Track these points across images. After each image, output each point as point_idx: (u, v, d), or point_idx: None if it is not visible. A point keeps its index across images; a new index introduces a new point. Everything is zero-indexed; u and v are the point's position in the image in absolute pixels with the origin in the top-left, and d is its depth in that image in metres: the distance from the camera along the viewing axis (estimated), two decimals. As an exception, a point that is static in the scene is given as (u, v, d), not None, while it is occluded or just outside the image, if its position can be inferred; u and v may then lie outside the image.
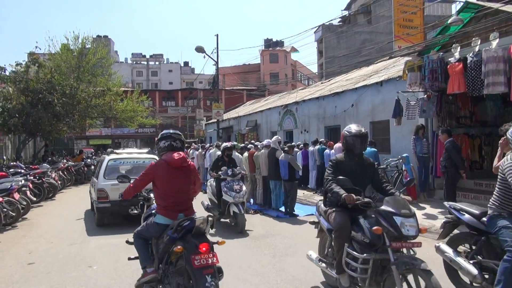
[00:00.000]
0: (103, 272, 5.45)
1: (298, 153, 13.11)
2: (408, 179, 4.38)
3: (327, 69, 33.15)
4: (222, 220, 8.58)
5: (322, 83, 22.40)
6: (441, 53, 9.09)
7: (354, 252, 3.80)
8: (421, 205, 9.16)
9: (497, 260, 3.75)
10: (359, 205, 3.85)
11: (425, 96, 9.73)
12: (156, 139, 4.56)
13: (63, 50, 21.64)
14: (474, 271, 3.79)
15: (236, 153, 11.06)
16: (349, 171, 4.11)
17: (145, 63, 73.61)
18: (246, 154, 11.48)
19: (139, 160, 9.35)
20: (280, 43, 49.71)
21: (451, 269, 4.26)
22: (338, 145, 11.66)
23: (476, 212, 4.18)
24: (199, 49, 21.56)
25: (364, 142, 4.23)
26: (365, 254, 3.70)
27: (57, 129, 21.16)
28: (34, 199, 11.09)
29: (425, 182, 9.82)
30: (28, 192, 10.22)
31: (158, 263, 3.98)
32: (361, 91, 13.56)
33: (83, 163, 19.91)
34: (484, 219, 4.02)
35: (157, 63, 73.73)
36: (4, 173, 11.01)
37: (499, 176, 3.89)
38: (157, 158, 4.65)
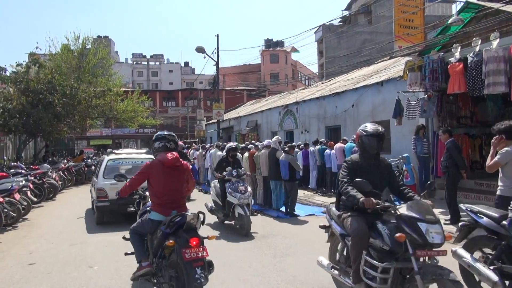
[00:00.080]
0: (103, 273, 5.45)
1: (298, 153, 13.11)
2: (429, 182, 4.13)
3: (327, 69, 33.14)
4: (226, 222, 8.44)
5: (322, 83, 22.40)
6: (442, 53, 9.09)
7: (374, 261, 3.52)
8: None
9: None
10: (379, 210, 3.63)
11: (426, 96, 9.73)
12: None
13: (64, 51, 21.67)
14: (495, 277, 3.55)
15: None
16: (366, 173, 3.85)
17: (146, 63, 73.64)
18: (246, 154, 11.48)
19: (137, 160, 9.54)
20: (280, 43, 49.69)
21: (468, 275, 4.05)
22: (339, 145, 11.69)
23: (496, 215, 3.97)
24: (200, 49, 21.58)
25: (381, 141, 3.97)
26: (385, 263, 3.43)
27: (58, 129, 21.17)
28: (35, 199, 11.08)
29: (426, 182, 9.80)
30: (28, 193, 10.23)
31: (153, 257, 4.18)
32: (361, 91, 13.56)
33: (84, 163, 19.91)
34: (505, 222, 3.81)
35: (157, 63, 73.77)
36: (4, 174, 11.00)
37: None
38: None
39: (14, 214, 8.84)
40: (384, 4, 28.90)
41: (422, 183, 9.74)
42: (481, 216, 4.07)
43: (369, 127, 3.99)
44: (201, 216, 4.06)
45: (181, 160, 4.32)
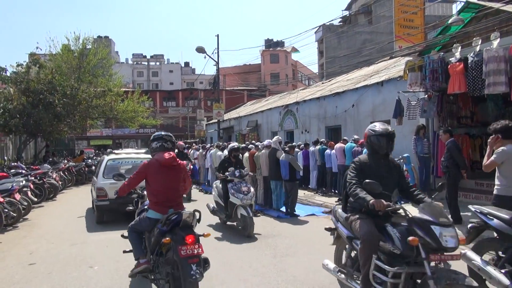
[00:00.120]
0: (104, 273, 5.45)
1: (298, 153, 13.11)
2: (440, 184, 4.01)
3: (327, 69, 33.16)
4: (228, 223, 8.37)
5: (322, 83, 22.40)
6: (442, 53, 9.08)
7: (385, 265, 3.39)
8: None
9: None
10: (390, 212, 3.53)
11: (426, 96, 9.72)
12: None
13: (64, 51, 21.67)
14: (506, 281, 3.46)
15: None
16: (375, 174, 3.72)
17: (146, 63, 73.66)
18: (246, 154, 11.48)
19: (137, 160, 9.63)
20: (280, 43, 49.70)
21: (478, 278, 3.92)
22: (339, 145, 11.68)
23: (507, 217, 3.87)
24: (200, 50, 21.59)
25: (391, 141, 3.87)
26: (396, 267, 3.30)
27: (58, 129, 21.19)
28: (35, 199, 11.09)
29: (426, 182, 9.81)
30: (29, 193, 10.23)
31: (150, 254, 4.31)
32: (361, 91, 13.56)
33: (84, 163, 19.92)
34: None
35: (157, 63, 73.79)
36: (5, 174, 11.01)
37: None
38: None
39: (15, 214, 8.85)
40: (384, 4, 28.91)
41: (423, 183, 9.74)
42: (491, 217, 3.98)
43: (378, 126, 3.91)
44: (197, 214, 4.15)
45: (178, 159, 4.41)
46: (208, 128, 32.74)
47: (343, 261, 4.27)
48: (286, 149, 9.70)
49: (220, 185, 8.38)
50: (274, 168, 9.73)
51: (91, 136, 40.16)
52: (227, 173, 8.11)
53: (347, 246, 4.15)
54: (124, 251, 4.77)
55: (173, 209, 4.18)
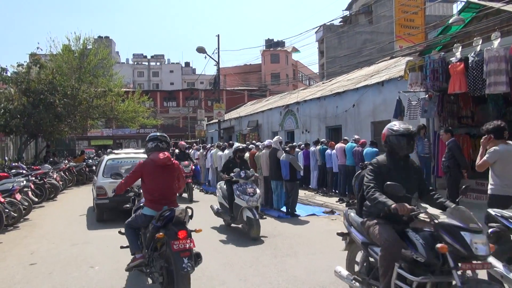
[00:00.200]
0: (104, 273, 5.46)
1: (299, 153, 13.10)
2: (464, 186, 3.80)
3: (328, 69, 33.16)
4: (233, 225, 8.16)
5: (323, 83, 22.41)
6: (443, 53, 9.08)
7: (409, 275, 3.13)
8: (423, 205, 9.14)
9: None
10: (414, 217, 3.32)
11: (427, 96, 9.72)
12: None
13: (65, 51, 21.67)
14: None
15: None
16: (394, 176, 3.47)
17: (146, 63, 73.71)
18: (247, 154, 11.47)
19: (136, 159, 9.69)
20: (281, 43, 49.71)
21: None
22: (339, 145, 11.69)
23: None
24: (200, 50, 21.61)
25: (412, 141, 3.63)
26: (421, 277, 3.04)
27: (59, 129, 21.20)
28: (36, 199, 11.09)
29: (427, 182, 9.81)
30: (29, 193, 10.23)
31: (145, 249, 4.50)
32: (362, 91, 13.56)
33: (85, 163, 19.93)
34: None
35: (158, 63, 73.83)
36: (5, 174, 11.02)
37: None
38: None
39: (15, 214, 8.85)
40: (384, 4, 28.90)
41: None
42: None
43: (398, 125, 3.64)
44: (189, 211, 4.36)
45: (172, 159, 4.59)
46: (209, 128, 32.76)
47: (356, 268, 4.04)
48: (287, 149, 9.69)
49: (225, 186, 8.16)
50: (275, 168, 9.73)
51: (91, 136, 40.19)
52: (232, 174, 7.88)
53: (359, 252, 3.97)
54: (121, 247, 4.97)
55: (167, 207, 4.32)
